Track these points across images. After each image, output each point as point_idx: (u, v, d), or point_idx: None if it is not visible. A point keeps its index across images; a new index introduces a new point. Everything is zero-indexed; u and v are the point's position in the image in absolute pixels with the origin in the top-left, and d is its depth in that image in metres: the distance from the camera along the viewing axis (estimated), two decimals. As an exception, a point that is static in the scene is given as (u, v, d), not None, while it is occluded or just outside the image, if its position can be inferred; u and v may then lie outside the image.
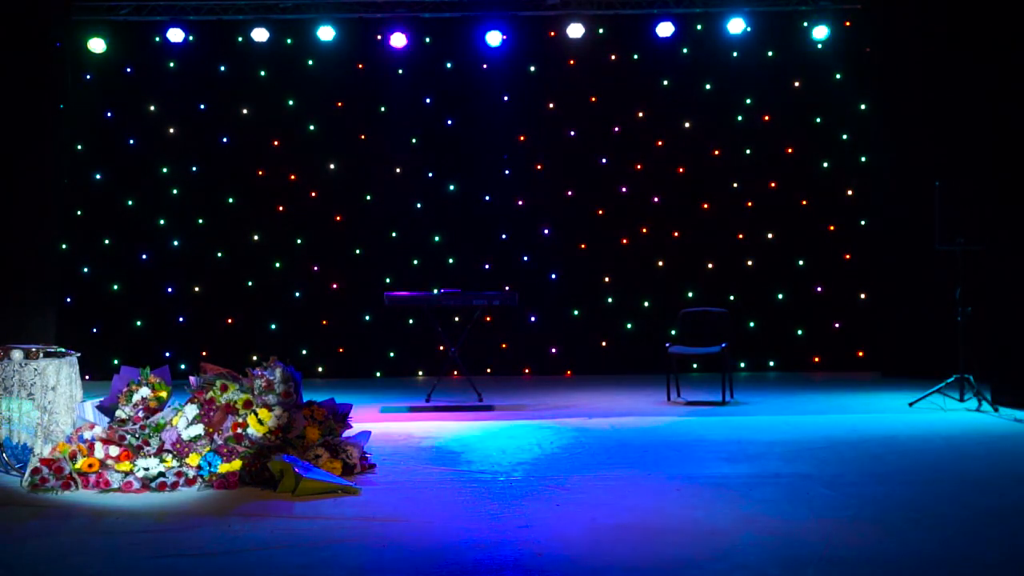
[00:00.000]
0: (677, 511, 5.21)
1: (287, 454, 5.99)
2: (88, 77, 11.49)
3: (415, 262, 11.66)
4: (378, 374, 11.65)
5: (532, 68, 11.76)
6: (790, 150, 11.70)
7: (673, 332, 10.17)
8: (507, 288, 11.09)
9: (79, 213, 11.51)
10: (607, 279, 11.70)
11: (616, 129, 11.73)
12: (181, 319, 11.53)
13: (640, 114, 11.74)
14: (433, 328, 9.93)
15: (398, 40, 11.33)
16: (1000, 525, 4.93)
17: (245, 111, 11.70)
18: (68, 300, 11.42)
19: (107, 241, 11.55)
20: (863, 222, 11.58)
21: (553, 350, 11.68)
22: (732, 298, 11.41)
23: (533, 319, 11.61)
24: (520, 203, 11.74)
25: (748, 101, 11.68)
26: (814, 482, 5.81)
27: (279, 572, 4.30)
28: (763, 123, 11.69)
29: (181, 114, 11.65)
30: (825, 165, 11.68)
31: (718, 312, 9.75)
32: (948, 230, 8.71)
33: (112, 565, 4.45)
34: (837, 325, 11.61)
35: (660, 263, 11.68)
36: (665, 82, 11.75)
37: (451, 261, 11.68)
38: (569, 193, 11.74)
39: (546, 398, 9.71)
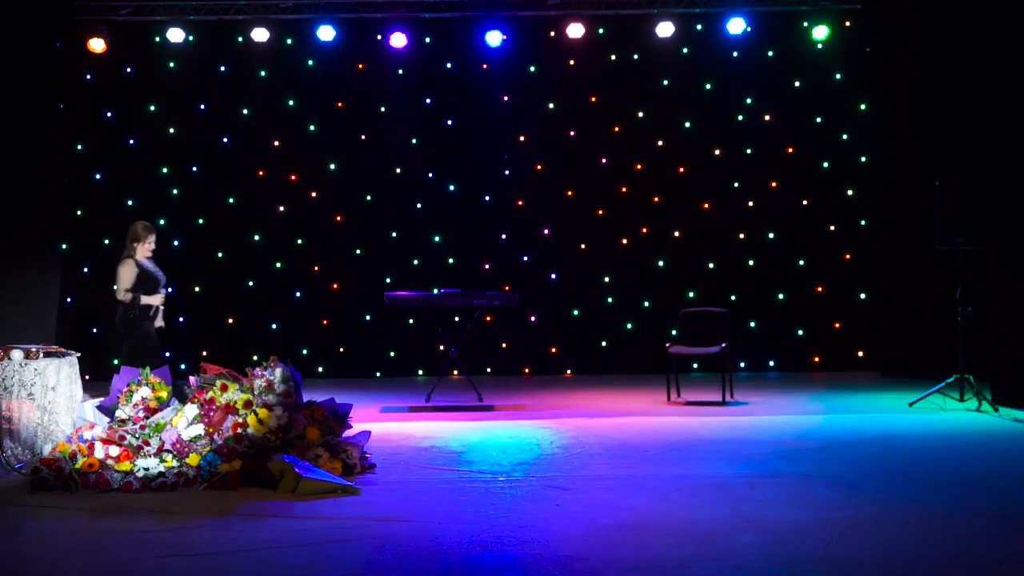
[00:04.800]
0: (677, 511, 5.21)
1: (287, 454, 6.00)
2: (88, 77, 11.48)
3: (415, 262, 11.65)
4: (378, 374, 11.65)
5: (532, 68, 11.76)
6: (790, 150, 11.69)
7: (673, 332, 10.16)
8: (507, 288, 11.08)
9: (79, 213, 11.51)
10: (607, 279, 11.69)
11: (616, 129, 11.72)
12: (181, 319, 11.52)
13: (640, 114, 11.74)
14: (433, 328, 9.93)
15: (398, 40, 11.32)
16: (1000, 525, 4.93)
17: (245, 111, 11.69)
18: (68, 300, 11.41)
19: (107, 241, 11.54)
20: (863, 222, 11.58)
21: (553, 350, 11.68)
22: (732, 298, 11.40)
23: (533, 319, 11.61)
24: (520, 203, 11.73)
25: (748, 101, 11.68)
26: (814, 482, 5.81)
27: (279, 572, 4.30)
28: (763, 123, 11.68)
29: (181, 114, 11.64)
30: (825, 165, 11.68)
31: (718, 312, 9.74)
32: (948, 230, 8.71)
33: (112, 565, 4.45)
34: (837, 325, 11.60)
35: (660, 263, 11.67)
36: (665, 82, 11.75)
37: (451, 261, 11.68)
38: (569, 193, 11.74)
39: (546, 398, 9.71)
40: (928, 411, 8.48)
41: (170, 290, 7.77)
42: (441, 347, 10.64)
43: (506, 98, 11.71)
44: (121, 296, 7.59)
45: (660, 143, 11.71)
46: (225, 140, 11.68)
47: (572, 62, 11.71)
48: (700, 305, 10.49)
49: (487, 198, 11.75)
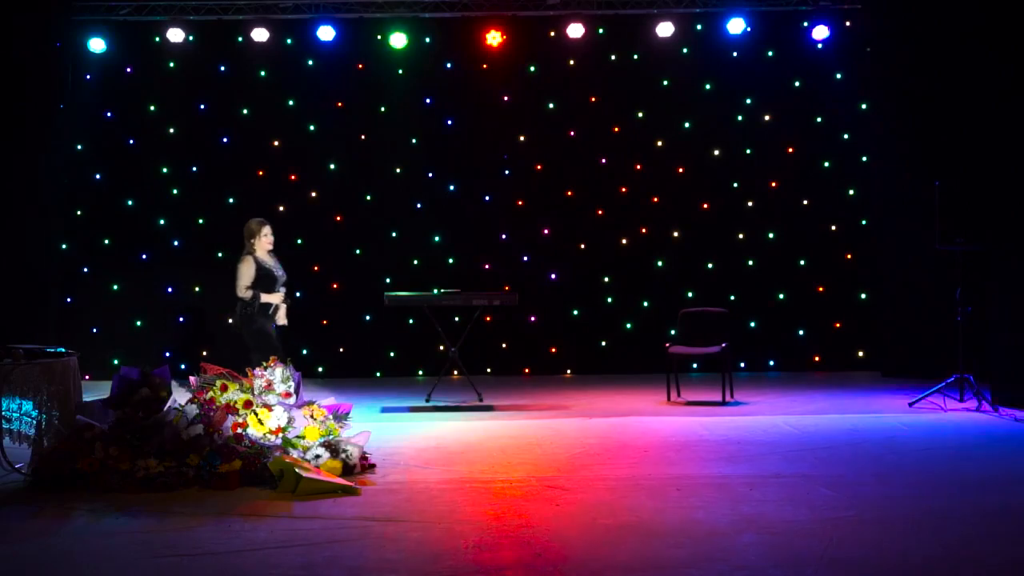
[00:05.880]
0: (677, 511, 5.22)
1: (287, 454, 6.00)
2: (88, 77, 11.46)
3: (415, 262, 11.64)
4: (378, 374, 11.65)
5: (532, 68, 11.76)
6: (790, 150, 11.69)
7: (673, 332, 10.16)
8: (507, 288, 11.08)
9: (79, 213, 11.50)
10: (607, 279, 11.69)
11: (616, 129, 11.71)
12: (181, 319, 11.52)
13: (640, 114, 11.73)
14: (433, 328, 9.92)
15: (398, 40, 11.32)
16: (1001, 525, 4.93)
17: (245, 111, 11.69)
18: (68, 300, 11.41)
19: (107, 241, 11.54)
20: (863, 222, 11.57)
21: (553, 350, 11.67)
22: (732, 298, 11.39)
23: (533, 319, 11.60)
24: (520, 203, 11.73)
25: (748, 101, 11.67)
26: (814, 482, 5.81)
27: (279, 572, 4.30)
28: (763, 123, 11.68)
29: (181, 114, 11.62)
30: (825, 165, 11.68)
31: (718, 312, 9.74)
32: (948, 230, 8.71)
33: (112, 565, 4.46)
34: (837, 325, 11.59)
35: (660, 263, 11.67)
36: (665, 82, 11.74)
37: (451, 261, 11.67)
38: (569, 193, 11.73)
39: (546, 398, 9.71)
40: (928, 411, 8.49)
41: (283, 289, 7.92)
42: (441, 347, 10.63)
43: (506, 98, 11.71)
44: (241, 293, 7.70)
45: (660, 143, 11.71)
46: (225, 140, 11.67)
47: (572, 62, 11.70)
48: (700, 305, 10.48)
49: (487, 198, 11.74)
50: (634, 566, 4.31)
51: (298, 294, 11.63)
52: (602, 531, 4.85)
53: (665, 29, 11.29)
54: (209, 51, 11.55)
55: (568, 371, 11.65)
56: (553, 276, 11.68)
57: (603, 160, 11.73)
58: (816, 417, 8.26)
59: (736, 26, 11.28)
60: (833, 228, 11.64)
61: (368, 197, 11.67)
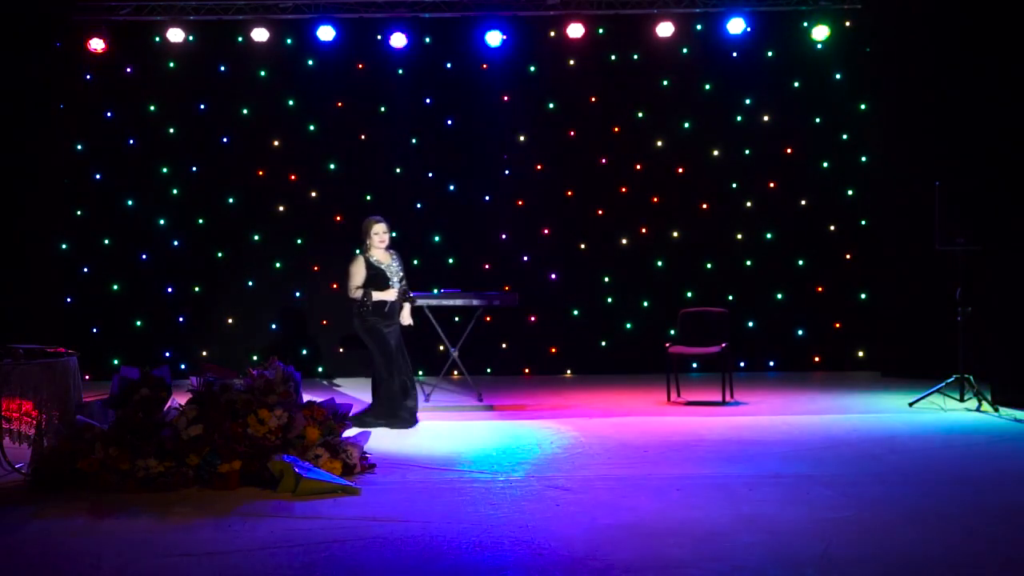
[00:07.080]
0: (677, 511, 5.22)
1: (287, 454, 6.00)
2: (88, 77, 11.46)
3: (415, 262, 11.61)
4: (378, 374, 11.63)
5: (532, 68, 11.75)
6: (790, 150, 11.68)
7: (673, 332, 10.16)
8: (507, 288, 11.07)
9: (79, 213, 11.50)
10: (607, 279, 11.68)
11: (616, 129, 11.70)
12: (181, 319, 11.52)
13: (640, 114, 11.73)
14: (433, 328, 9.92)
15: (398, 40, 11.31)
16: (1000, 525, 4.93)
17: (245, 111, 11.68)
18: (68, 300, 11.41)
19: (107, 241, 11.53)
20: (863, 222, 11.57)
21: (553, 350, 11.66)
22: (732, 298, 11.39)
23: (533, 319, 11.60)
24: (520, 203, 11.72)
25: (748, 101, 11.66)
26: (814, 482, 5.81)
27: (279, 572, 4.30)
28: (763, 123, 11.67)
29: (181, 114, 11.61)
30: (825, 165, 11.67)
31: (718, 312, 9.74)
32: (948, 230, 8.71)
33: (112, 565, 4.46)
34: (837, 325, 11.59)
35: (660, 263, 11.67)
36: (665, 82, 11.73)
37: (451, 261, 11.67)
38: (569, 193, 11.72)
39: (546, 398, 9.71)
40: (928, 411, 8.49)
41: (399, 286, 8.04)
42: (441, 347, 10.64)
43: (506, 98, 11.70)
44: (352, 293, 7.73)
45: (660, 143, 11.70)
46: (225, 140, 11.66)
47: (572, 62, 11.70)
48: (700, 305, 10.48)
49: (487, 198, 11.73)
50: (634, 566, 4.31)
51: (297, 294, 11.66)
52: (602, 531, 4.85)
53: (665, 29, 11.27)
54: (209, 51, 11.53)
55: (568, 371, 11.65)
56: (553, 276, 11.67)
57: (603, 160, 11.72)
58: (816, 417, 8.27)
59: (736, 26, 11.26)
60: (832, 228, 11.63)
61: (368, 197, 11.65)
